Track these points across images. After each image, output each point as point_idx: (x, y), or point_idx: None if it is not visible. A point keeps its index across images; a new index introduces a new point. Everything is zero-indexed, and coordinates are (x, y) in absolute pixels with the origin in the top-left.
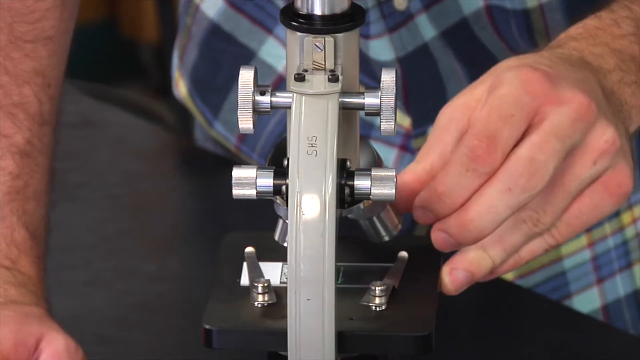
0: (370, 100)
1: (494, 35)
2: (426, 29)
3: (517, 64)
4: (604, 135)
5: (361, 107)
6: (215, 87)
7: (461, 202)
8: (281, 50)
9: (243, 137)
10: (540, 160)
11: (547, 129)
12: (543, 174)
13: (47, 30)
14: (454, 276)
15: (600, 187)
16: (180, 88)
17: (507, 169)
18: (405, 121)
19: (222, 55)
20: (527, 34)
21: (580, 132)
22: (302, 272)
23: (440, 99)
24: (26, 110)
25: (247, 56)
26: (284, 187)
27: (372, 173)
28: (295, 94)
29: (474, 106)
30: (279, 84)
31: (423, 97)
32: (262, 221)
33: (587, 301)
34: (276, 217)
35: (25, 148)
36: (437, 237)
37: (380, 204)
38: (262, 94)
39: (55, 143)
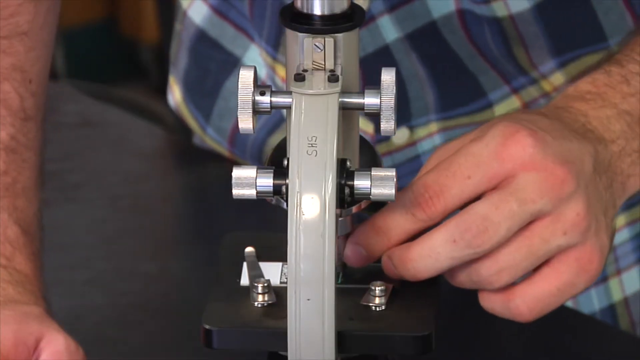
0: (370, 100)
1: (465, 39)
2: (388, 30)
3: (511, 120)
4: (577, 209)
5: (361, 107)
6: (205, 92)
7: (395, 241)
8: (263, 57)
9: (233, 141)
10: (494, 220)
11: (509, 190)
12: (492, 234)
13: (22, 26)
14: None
15: (574, 263)
16: (175, 94)
17: (458, 221)
18: (369, 127)
19: (210, 61)
20: (502, 41)
21: (550, 202)
22: (302, 272)
23: (402, 101)
24: (8, 106)
25: (232, 62)
26: (284, 187)
27: (372, 173)
28: (295, 94)
29: None
30: None
31: None
32: (262, 221)
33: None
34: (275, 218)
35: (10, 144)
36: (384, 262)
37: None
38: (262, 94)
39: (43, 140)
